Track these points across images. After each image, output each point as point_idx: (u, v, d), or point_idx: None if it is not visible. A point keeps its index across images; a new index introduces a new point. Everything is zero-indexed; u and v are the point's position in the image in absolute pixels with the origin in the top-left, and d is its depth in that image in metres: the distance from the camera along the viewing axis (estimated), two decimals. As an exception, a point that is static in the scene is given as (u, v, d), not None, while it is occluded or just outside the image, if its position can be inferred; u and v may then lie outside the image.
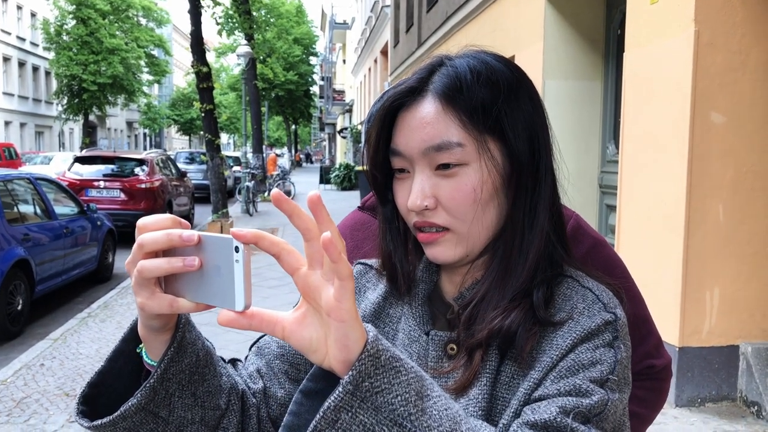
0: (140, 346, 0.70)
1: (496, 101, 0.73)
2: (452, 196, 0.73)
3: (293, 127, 53.96)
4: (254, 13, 20.13)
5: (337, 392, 0.53)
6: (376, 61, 21.69)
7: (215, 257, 0.56)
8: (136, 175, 11.33)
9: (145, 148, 54.42)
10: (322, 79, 49.25)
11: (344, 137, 32.55)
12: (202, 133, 26.58)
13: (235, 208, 15.59)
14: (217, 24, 14.94)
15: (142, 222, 0.60)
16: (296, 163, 47.45)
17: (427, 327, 0.80)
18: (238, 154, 26.81)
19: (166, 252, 0.59)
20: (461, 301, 0.78)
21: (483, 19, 8.25)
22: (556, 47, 5.94)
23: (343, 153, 37.61)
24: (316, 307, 0.56)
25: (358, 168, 18.75)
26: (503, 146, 0.74)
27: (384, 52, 19.81)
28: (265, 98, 34.45)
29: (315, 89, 50.93)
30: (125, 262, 0.63)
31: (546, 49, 5.96)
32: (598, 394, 0.65)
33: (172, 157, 16.21)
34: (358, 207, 1.32)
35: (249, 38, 19.32)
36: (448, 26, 10.03)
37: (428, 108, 0.74)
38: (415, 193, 0.74)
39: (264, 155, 21.28)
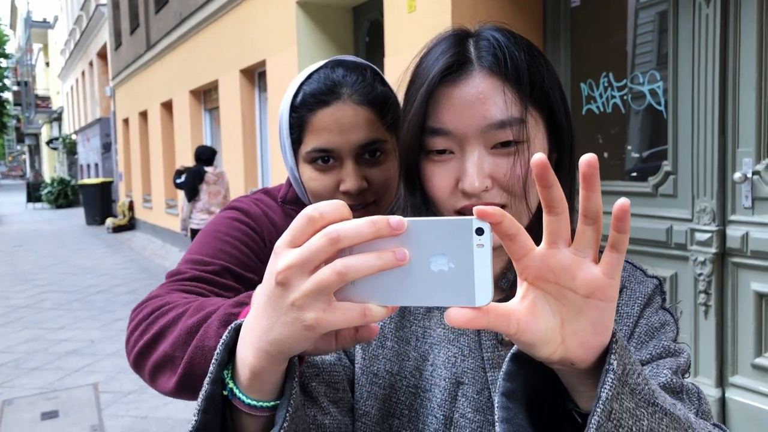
0: (231, 384, 0.55)
1: (541, 74, 0.72)
2: (516, 175, 0.70)
3: (-18, 139, 46.23)
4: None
5: (608, 381, 0.47)
6: (91, 64, 19.66)
7: (434, 246, 0.46)
8: None
9: None
10: (18, 83, 43.17)
11: (54, 148, 28.88)
12: None
13: None
14: None
15: (317, 210, 0.46)
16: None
17: None
18: None
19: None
20: (507, 283, 0.75)
21: (226, 22, 8.06)
22: (310, 52, 6.09)
23: (53, 167, 33.38)
24: (554, 291, 0.48)
25: (85, 181, 16.80)
26: (547, 120, 0.73)
27: (102, 55, 18.07)
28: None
29: (8, 95, 44.37)
30: (279, 268, 0.46)
31: (300, 52, 6.07)
32: (684, 351, 0.70)
33: None
34: (280, 200, 1.18)
35: None
36: (184, 28, 9.57)
37: (483, 83, 0.69)
38: (472, 175, 0.69)
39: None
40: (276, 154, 6.85)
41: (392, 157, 1.07)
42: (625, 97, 3.43)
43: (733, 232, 2.89)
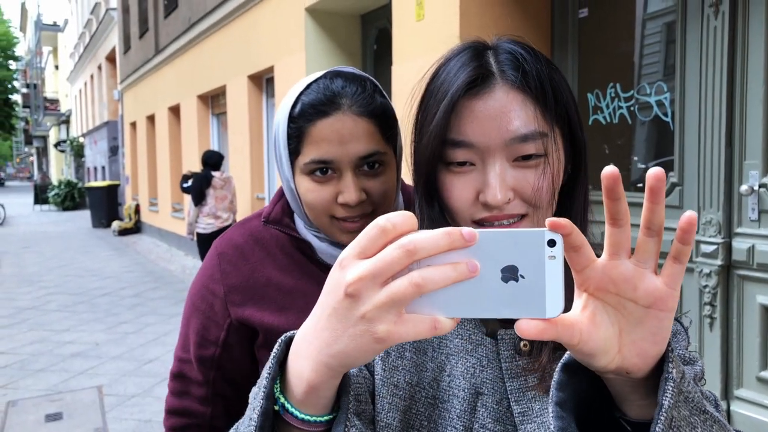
0: (282, 399, 0.55)
1: (560, 88, 0.73)
2: (537, 187, 0.70)
3: (-9, 140, 46.52)
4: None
5: (669, 389, 0.49)
6: (100, 67, 19.79)
7: (504, 257, 0.46)
8: None
9: None
10: (27, 86, 43.42)
11: (62, 151, 29.03)
12: None
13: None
14: None
15: (390, 221, 0.46)
16: (-2, 182, 40.93)
17: (487, 328, 0.76)
18: None
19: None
20: None
21: (234, 28, 8.11)
22: (318, 58, 6.12)
23: (60, 169, 33.53)
24: (613, 302, 0.50)
25: (92, 184, 16.86)
26: (564, 133, 0.74)
27: (111, 59, 18.18)
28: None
29: (17, 98, 44.65)
30: (349, 280, 0.45)
31: (308, 59, 6.10)
32: (698, 359, 0.70)
33: None
34: (263, 220, 1.18)
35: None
36: (193, 33, 9.63)
37: (506, 96, 0.70)
38: (494, 187, 0.69)
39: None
40: (282, 159, 6.87)
41: (390, 168, 1.07)
42: (631, 108, 3.44)
43: (739, 245, 2.88)
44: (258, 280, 1.15)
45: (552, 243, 0.46)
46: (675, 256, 0.48)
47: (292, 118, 1.05)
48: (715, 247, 2.93)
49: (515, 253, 0.46)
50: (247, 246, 1.18)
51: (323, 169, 1.03)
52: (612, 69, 3.58)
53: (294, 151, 1.06)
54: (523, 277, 0.46)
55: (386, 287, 0.45)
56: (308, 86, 1.06)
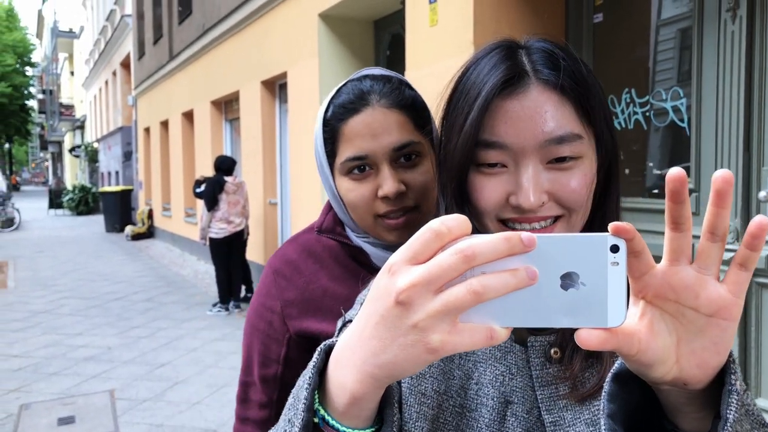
0: (322, 411, 0.52)
1: (594, 88, 0.71)
2: (572, 190, 0.68)
3: (7, 146, 47.06)
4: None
5: (734, 402, 0.47)
6: (114, 73, 19.97)
7: (564, 263, 0.44)
8: None
9: None
10: (43, 92, 43.91)
11: (77, 156, 29.28)
12: None
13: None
14: None
15: (444, 225, 0.43)
16: (14, 187, 41.41)
17: (515, 335, 0.74)
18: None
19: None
20: None
21: (248, 34, 8.15)
22: (331, 64, 6.13)
23: (74, 174, 33.84)
24: (672, 310, 0.47)
25: (105, 189, 16.99)
26: (597, 135, 0.72)
27: (125, 65, 18.35)
28: (-28, 112, 29.49)
29: (33, 103, 45.19)
30: (401, 287, 0.43)
31: (321, 65, 6.12)
32: (737, 369, 0.68)
33: None
34: (317, 230, 1.19)
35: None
36: (207, 39, 9.69)
37: (540, 96, 0.68)
38: (527, 190, 0.67)
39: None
40: (295, 165, 6.89)
41: (428, 159, 1.06)
42: (647, 114, 3.41)
43: (758, 252, 2.84)
44: (314, 291, 1.15)
45: (615, 248, 0.44)
46: (741, 263, 0.46)
47: (325, 122, 1.06)
48: (732, 254, 2.89)
49: (576, 259, 0.44)
50: (300, 259, 1.18)
51: (361, 167, 1.03)
52: (627, 74, 3.55)
53: (331, 154, 1.06)
54: (584, 284, 0.44)
55: (441, 295, 0.42)
56: (338, 90, 1.07)
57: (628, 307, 0.45)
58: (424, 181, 1.04)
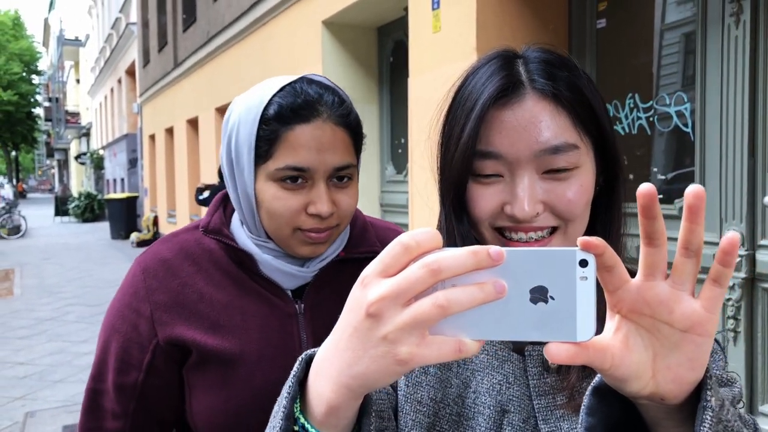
0: (302, 420, 0.52)
1: (592, 98, 0.70)
2: (568, 201, 0.68)
3: (13, 153, 47.33)
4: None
5: (707, 419, 0.47)
6: (120, 81, 20.09)
7: (533, 277, 0.44)
8: None
9: None
10: (49, 99, 44.20)
11: (82, 163, 29.42)
12: None
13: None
14: None
15: (414, 239, 0.44)
16: (20, 194, 41.62)
17: (513, 344, 0.74)
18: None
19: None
20: None
21: (252, 41, 8.18)
22: (335, 70, 6.14)
23: (80, 181, 34.00)
24: (647, 325, 0.47)
25: (111, 196, 17.05)
26: (595, 144, 0.72)
27: (131, 72, 18.45)
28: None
29: (40, 111, 45.47)
30: (371, 299, 0.44)
31: (325, 72, 6.13)
32: (736, 380, 0.67)
33: None
34: (202, 230, 1.11)
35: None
36: (211, 46, 9.74)
37: (536, 106, 0.68)
38: (522, 199, 0.67)
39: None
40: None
41: (356, 183, 1.06)
42: (651, 119, 3.40)
43: (764, 257, 2.82)
44: (188, 296, 1.06)
45: (584, 263, 0.44)
46: (715, 279, 0.46)
47: (265, 120, 0.99)
48: (738, 259, 2.87)
49: (545, 273, 0.44)
50: (176, 261, 1.08)
51: (295, 177, 0.98)
52: (630, 79, 3.55)
53: (263, 155, 1.00)
54: (552, 298, 0.44)
55: (409, 308, 0.43)
56: (282, 88, 1.01)
57: (598, 322, 0.45)
58: (352, 204, 1.05)
